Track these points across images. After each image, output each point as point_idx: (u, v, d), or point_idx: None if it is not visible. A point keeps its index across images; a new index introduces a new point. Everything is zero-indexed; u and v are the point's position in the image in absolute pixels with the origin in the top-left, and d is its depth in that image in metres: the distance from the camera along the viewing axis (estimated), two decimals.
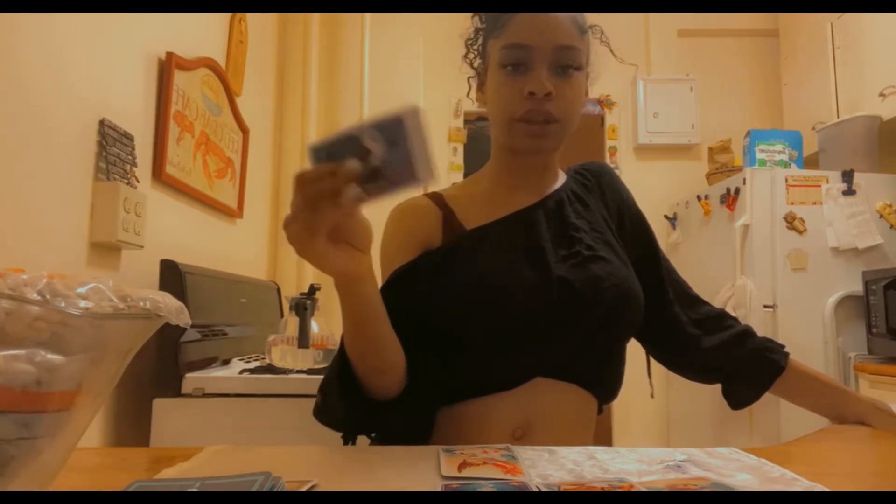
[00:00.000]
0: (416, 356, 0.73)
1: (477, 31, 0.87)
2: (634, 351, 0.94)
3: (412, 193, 0.54)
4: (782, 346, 0.89)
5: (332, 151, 0.55)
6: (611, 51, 0.88)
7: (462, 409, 0.76)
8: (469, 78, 0.89)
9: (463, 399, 0.76)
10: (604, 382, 0.81)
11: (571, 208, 0.85)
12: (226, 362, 1.60)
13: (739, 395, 0.89)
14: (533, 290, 0.76)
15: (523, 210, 0.84)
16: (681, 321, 0.89)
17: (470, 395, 0.76)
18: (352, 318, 0.66)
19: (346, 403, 0.70)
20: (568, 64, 0.78)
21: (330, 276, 0.62)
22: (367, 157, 0.54)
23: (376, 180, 0.54)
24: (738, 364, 0.87)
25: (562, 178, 0.90)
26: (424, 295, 0.77)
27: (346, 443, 0.77)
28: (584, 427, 0.80)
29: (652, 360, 0.94)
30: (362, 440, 0.79)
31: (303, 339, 1.44)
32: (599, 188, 0.91)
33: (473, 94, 0.89)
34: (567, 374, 0.77)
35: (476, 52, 0.87)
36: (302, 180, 0.55)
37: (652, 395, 0.95)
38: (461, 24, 0.89)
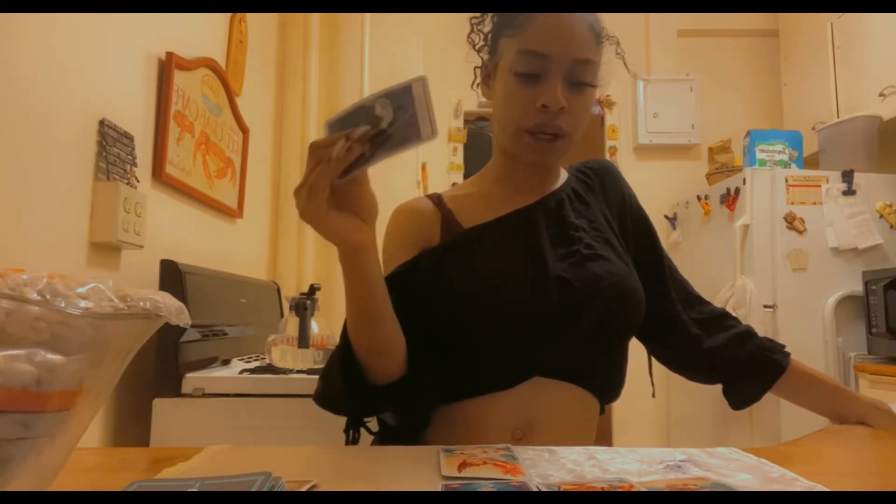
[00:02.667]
0: (415, 351, 0.73)
1: (488, 19, 0.85)
2: (635, 350, 0.94)
3: (415, 147, 0.59)
4: (783, 346, 0.89)
5: (345, 123, 0.60)
6: (625, 65, 0.86)
7: (461, 408, 0.76)
8: (476, 68, 0.87)
9: (462, 398, 0.76)
10: (604, 382, 0.81)
11: (571, 207, 0.85)
12: (226, 362, 1.60)
13: (741, 395, 0.89)
14: (531, 289, 0.76)
15: (523, 209, 0.83)
16: (682, 320, 0.89)
17: (469, 394, 0.76)
18: (354, 291, 0.66)
19: (347, 386, 0.71)
20: (583, 80, 0.76)
21: (335, 246, 0.63)
22: (378, 123, 0.58)
23: (385, 142, 0.59)
24: (740, 364, 0.87)
25: (563, 177, 0.90)
26: (423, 294, 0.77)
27: (347, 441, 0.77)
28: (586, 427, 0.80)
29: (653, 360, 0.94)
30: (363, 440, 0.79)
31: (303, 339, 1.44)
32: (602, 186, 0.91)
33: (479, 87, 0.88)
34: (566, 374, 0.77)
35: (485, 41, 0.85)
36: (314, 146, 0.59)
37: (653, 395, 0.95)
38: (461, 23, 0.89)
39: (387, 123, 0.58)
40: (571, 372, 0.77)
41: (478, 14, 0.86)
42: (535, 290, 0.76)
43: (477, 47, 0.86)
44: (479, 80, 0.87)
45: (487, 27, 0.85)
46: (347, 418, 0.77)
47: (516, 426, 0.75)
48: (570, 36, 0.75)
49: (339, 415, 0.76)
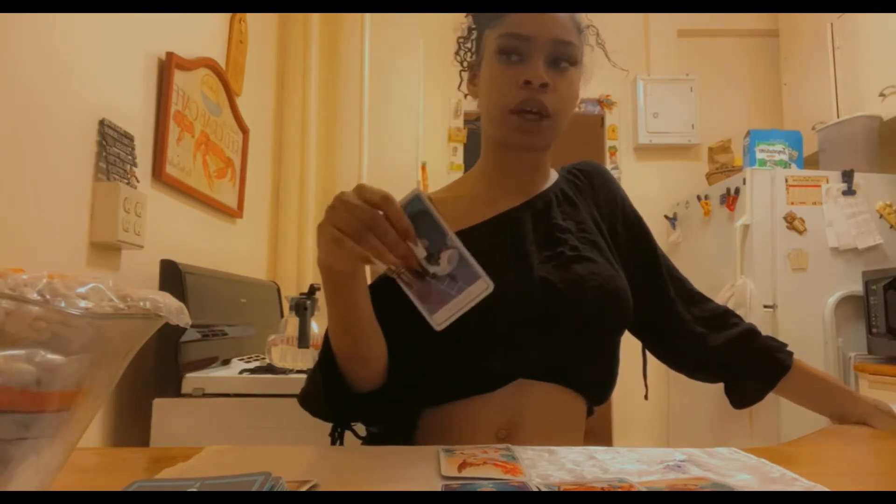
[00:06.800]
0: (398, 355, 0.73)
1: (471, 29, 0.87)
2: (634, 351, 0.93)
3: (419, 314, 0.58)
4: (786, 346, 0.88)
5: (422, 216, 0.57)
6: (605, 53, 0.88)
7: (445, 411, 0.75)
8: (461, 71, 0.89)
9: (446, 401, 0.75)
10: (591, 383, 0.80)
11: (559, 209, 0.85)
12: (226, 362, 1.60)
13: (743, 394, 0.88)
14: (514, 292, 0.75)
15: (509, 211, 0.83)
16: (684, 320, 0.88)
17: (453, 397, 0.75)
18: (338, 310, 0.66)
19: (326, 391, 0.71)
20: (564, 58, 0.78)
21: (318, 259, 0.62)
22: (431, 265, 0.56)
23: (413, 278, 0.57)
24: (743, 363, 0.87)
25: (552, 178, 0.90)
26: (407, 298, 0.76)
27: (332, 442, 0.77)
28: (572, 428, 0.79)
29: (648, 361, 0.93)
30: (349, 440, 0.78)
31: (303, 339, 1.44)
32: (591, 189, 0.90)
33: (465, 86, 0.89)
34: (551, 375, 0.76)
35: (469, 48, 0.87)
36: (387, 206, 0.56)
37: (646, 397, 0.94)
38: (461, 23, 0.89)
39: (433, 273, 0.56)
40: (556, 373, 0.77)
41: (464, 33, 0.88)
42: (519, 294, 0.75)
43: (466, 61, 0.88)
44: (465, 82, 0.89)
45: (473, 37, 0.87)
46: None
47: (500, 427, 0.74)
48: (550, 18, 0.78)
49: (317, 418, 0.76)
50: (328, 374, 0.70)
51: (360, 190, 0.57)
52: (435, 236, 0.56)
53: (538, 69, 0.76)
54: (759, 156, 2.58)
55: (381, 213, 0.56)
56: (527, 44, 0.77)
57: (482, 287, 0.56)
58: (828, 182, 2.40)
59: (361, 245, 0.56)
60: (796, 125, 2.89)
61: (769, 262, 2.37)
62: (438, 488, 0.49)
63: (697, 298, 0.92)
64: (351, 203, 0.56)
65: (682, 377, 0.94)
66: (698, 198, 2.84)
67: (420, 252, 0.56)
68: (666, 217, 3.14)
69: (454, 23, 0.91)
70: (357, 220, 0.55)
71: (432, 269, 0.56)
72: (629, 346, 0.91)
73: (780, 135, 2.65)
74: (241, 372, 1.44)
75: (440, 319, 0.56)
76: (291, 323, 1.47)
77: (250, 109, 2.20)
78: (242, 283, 1.90)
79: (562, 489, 0.48)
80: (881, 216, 2.38)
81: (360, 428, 0.80)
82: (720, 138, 3.00)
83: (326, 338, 0.71)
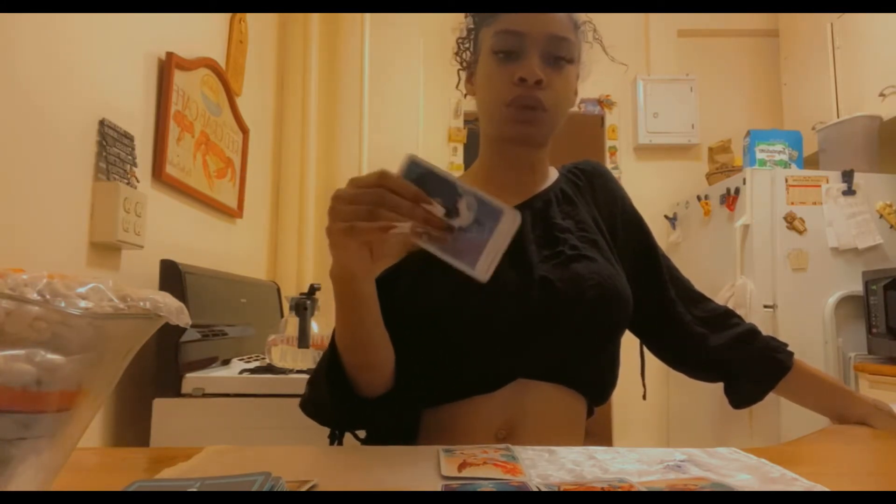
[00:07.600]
0: (401, 357, 0.73)
1: (469, 30, 0.87)
2: (634, 351, 0.93)
3: (459, 271, 0.55)
4: (786, 346, 0.88)
5: (425, 178, 0.55)
6: (603, 48, 0.88)
7: (445, 411, 0.75)
8: (458, 70, 0.90)
9: (446, 401, 0.75)
10: (591, 382, 0.80)
11: (559, 209, 0.85)
12: (226, 362, 1.60)
13: (743, 394, 0.88)
14: (514, 291, 0.75)
15: None
16: (685, 320, 0.88)
17: (452, 397, 0.75)
18: (345, 313, 0.65)
19: (334, 398, 0.70)
20: (560, 55, 0.78)
21: (332, 269, 0.61)
22: (453, 217, 0.54)
23: (441, 239, 0.55)
24: (744, 363, 0.87)
25: (552, 178, 0.89)
26: (406, 297, 0.76)
27: (331, 442, 0.77)
28: (571, 428, 0.79)
29: (648, 361, 0.93)
30: (349, 441, 0.78)
31: (303, 339, 1.44)
32: (591, 188, 0.90)
33: (463, 85, 0.89)
34: (550, 375, 0.76)
35: (467, 48, 0.87)
36: (387, 180, 0.54)
37: (644, 397, 0.94)
38: (461, 24, 0.90)
39: (458, 226, 0.54)
40: (556, 373, 0.76)
41: (463, 34, 0.88)
42: (518, 292, 0.75)
43: (464, 60, 0.88)
44: (463, 80, 0.89)
45: (471, 37, 0.87)
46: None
47: (499, 427, 0.74)
48: (545, 15, 0.78)
49: (323, 425, 0.76)
50: (334, 380, 0.70)
51: (354, 181, 0.56)
52: (445, 191, 0.55)
53: (533, 66, 0.76)
54: (759, 156, 2.58)
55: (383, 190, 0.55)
56: (521, 40, 0.77)
57: (511, 220, 0.54)
58: (828, 182, 2.40)
59: (366, 222, 0.54)
60: (796, 125, 2.89)
61: (769, 262, 2.37)
62: (438, 488, 0.49)
63: (698, 298, 0.91)
64: (349, 194, 0.56)
65: (682, 377, 0.94)
66: (698, 198, 2.84)
67: (438, 210, 0.54)
68: (666, 217, 3.14)
69: (454, 23, 0.91)
70: (363, 205, 0.54)
71: (456, 222, 0.54)
72: (629, 346, 0.91)
73: (780, 135, 2.65)
74: (241, 372, 1.44)
75: (483, 269, 0.54)
76: (291, 323, 1.47)
77: (250, 109, 2.21)
78: (242, 283, 1.90)
79: (562, 489, 0.48)
80: (881, 216, 2.38)
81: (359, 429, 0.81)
82: (720, 138, 3.00)
83: (332, 345, 0.70)
